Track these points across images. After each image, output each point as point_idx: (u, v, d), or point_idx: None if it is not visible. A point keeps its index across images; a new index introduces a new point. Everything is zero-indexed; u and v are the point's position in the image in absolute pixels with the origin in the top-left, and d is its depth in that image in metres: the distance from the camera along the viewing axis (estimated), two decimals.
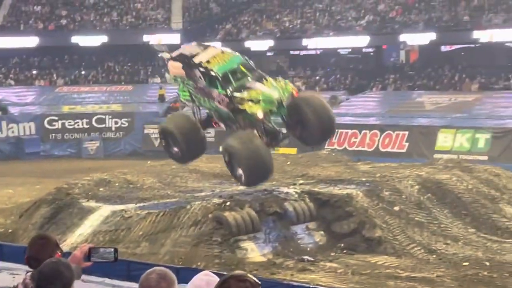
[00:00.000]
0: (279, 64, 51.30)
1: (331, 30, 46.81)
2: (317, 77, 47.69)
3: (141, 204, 21.56)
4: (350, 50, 48.71)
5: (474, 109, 38.86)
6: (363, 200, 20.70)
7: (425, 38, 43.20)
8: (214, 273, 4.20)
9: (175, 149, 21.46)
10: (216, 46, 23.45)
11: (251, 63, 21.38)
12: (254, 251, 18.83)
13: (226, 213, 19.21)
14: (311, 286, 14.80)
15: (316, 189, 21.13)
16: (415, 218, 20.22)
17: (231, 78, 20.30)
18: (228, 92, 20.06)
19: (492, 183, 22.77)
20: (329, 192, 20.89)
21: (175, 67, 21.45)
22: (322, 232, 19.99)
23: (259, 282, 3.64)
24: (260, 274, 16.84)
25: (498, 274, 16.94)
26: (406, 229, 19.72)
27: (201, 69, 20.63)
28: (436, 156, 32.24)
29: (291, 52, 49.99)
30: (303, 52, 48.86)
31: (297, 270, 17.71)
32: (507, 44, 42.58)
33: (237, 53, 21.65)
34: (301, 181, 22.78)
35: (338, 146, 37.10)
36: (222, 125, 21.23)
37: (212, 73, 20.42)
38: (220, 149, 20.40)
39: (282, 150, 37.17)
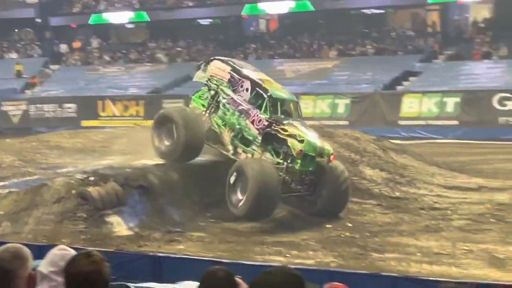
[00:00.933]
0: (139, 36, 50.75)
1: (190, 1, 46.62)
2: (179, 49, 47.45)
3: (1, 183, 20.97)
4: (211, 20, 48.69)
5: (333, 75, 39.72)
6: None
7: (284, 6, 43.69)
8: (76, 248, 4.13)
9: (167, 142, 20.06)
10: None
11: (300, 110, 20.07)
12: (120, 225, 18.64)
13: (90, 188, 18.91)
14: (177, 256, 14.83)
15: None
16: None
17: (279, 106, 19.10)
18: (271, 116, 18.76)
19: (352, 146, 23.36)
20: (196, 163, 20.90)
21: (220, 68, 20.10)
22: (189, 202, 20.00)
23: (104, 257, 3.66)
24: (127, 247, 16.72)
25: (360, 235, 17.45)
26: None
27: (253, 82, 19.40)
28: None
29: (152, 24, 49.50)
30: (163, 24, 48.48)
31: (165, 241, 17.68)
32: (363, 11, 43.63)
33: (292, 94, 20.75)
34: None
35: None
36: (229, 146, 19.55)
37: (263, 92, 19.13)
38: (234, 167, 18.45)
39: (145, 123, 36.96)
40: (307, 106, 36.45)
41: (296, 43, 44.25)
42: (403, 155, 24.22)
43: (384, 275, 12.80)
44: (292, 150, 18.04)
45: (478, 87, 34.85)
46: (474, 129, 32.87)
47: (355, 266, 14.73)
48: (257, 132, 18.79)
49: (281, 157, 18.44)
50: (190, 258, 14.48)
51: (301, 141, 18.03)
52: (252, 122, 18.91)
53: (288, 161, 18.33)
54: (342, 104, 36.13)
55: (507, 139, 31.29)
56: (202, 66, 20.71)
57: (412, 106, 35.10)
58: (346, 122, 34.57)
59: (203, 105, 20.29)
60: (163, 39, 48.54)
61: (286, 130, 18.33)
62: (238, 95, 19.42)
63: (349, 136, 24.12)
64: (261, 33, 48.17)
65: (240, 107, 19.27)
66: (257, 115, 18.85)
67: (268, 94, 19.01)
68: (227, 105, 19.51)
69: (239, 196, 18.26)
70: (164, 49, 47.41)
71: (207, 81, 20.29)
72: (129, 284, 9.69)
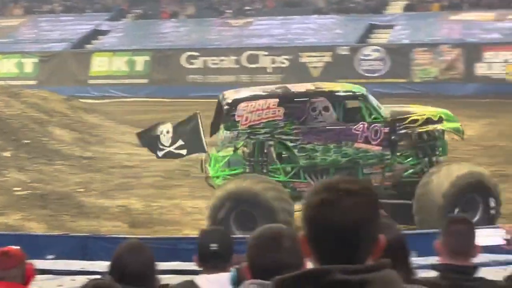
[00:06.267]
0: None
1: None
2: None
3: None
4: None
5: (19, 33, 38.42)
6: None
7: None
8: None
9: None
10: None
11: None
12: None
13: None
14: None
15: None
16: None
17: (374, 104, 13.86)
18: (381, 118, 13.60)
19: (41, 106, 22.85)
20: None
21: (260, 108, 13.39)
22: None
23: None
24: None
25: (50, 196, 17.17)
26: None
27: (329, 95, 13.69)
28: None
29: None
30: None
31: None
32: None
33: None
34: None
35: None
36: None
37: (347, 98, 13.81)
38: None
39: None
40: None
41: None
42: (94, 114, 24.14)
43: (75, 236, 12.68)
44: (439, 137, 14.04)
45: (166, 46, 35.48)
46: (164, 87, 33.50)
47: (48, 228, 14.48)
48: (379, 148, 13.61)
49: (420, 156, 13.97)
50: None
51: (440, 119, 13.98)
52: (366, 141, 13.60)
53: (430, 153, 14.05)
54: (30, 63, 35.09)
55: (194, 97, 32.27)
56: (221, 126, 13.75)
57: (102, 65, 34.97)
58: (34, 82, 33.61)
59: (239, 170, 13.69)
60: None
61: (415, 121, 13.78)
62: (318, 121, 13.58)
63: (36, 96, 23.55)
64: None
65: (327, 137, 13.58)
66: (367, 128, 13.52)
67: (359, 94, 13.87)
68: (307, 146, 13.53)
69: None
70: None
71: (238, 137, 13.57)
72: None
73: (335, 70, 31.44)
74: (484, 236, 5.45)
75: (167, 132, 13.78)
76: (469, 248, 4.06)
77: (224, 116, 13.48)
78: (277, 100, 13.44)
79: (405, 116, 13.80)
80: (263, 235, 2.94)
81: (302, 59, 32.94)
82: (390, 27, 34.82)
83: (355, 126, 13.50)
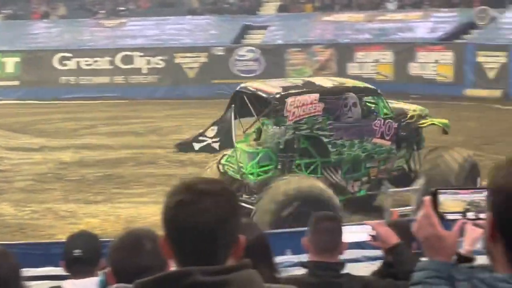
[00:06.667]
0: None
1: None
2: None
3: None
4: None
5: None
6: None
7: None
8: None
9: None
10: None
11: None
12: None
13: None
14: None
15: None
16: None
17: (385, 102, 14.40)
18: (388, 113, 14.10)
19: None
20: None
21: (306, 103, 13.25)
22: None
23: None
24: None
25: None
26: None
27: (356, 90, 13.99)
28: None
29: None
30: None
31: None
32: None
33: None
34: None
35: None
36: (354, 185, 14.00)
37: (369, 94, 14.21)
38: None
39: None
40: None
41: None
42: None
43: None
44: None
45: (38, 47, 34.67)
46: (36, 89, 32.72)
47: None
48: (389, 143, 14.06)
49: (409, 149, 14.59)
50: None
51: (425, 116, 14.73)
52: (381, 136, 14.01)
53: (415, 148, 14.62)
54: None
55: (67, 98, 31.69)
56: (268, 121, 13.63)
57: None
58: None
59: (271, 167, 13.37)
60: None
61: (412, 117, 14.45)
62: (348, 117, 13.80)
63: None
64: None
65: (356, 132, 13.84)
66: (383, 123, 13.94)
67: (376, 90, 14.47)
68: (338, 142, 13.66)
69: None
70: None
71: (286, 132, 13.32)
72: None
73: (210, 71, 31.56)
74: (351, 233, 5.57)
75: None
76: (336, 245, 4.14)
77: (272, 111, 13.27)
78: (318, 95, 13.46)
79: (406, 112, 14.35)
80: (124, 238, 2.92)
81: (177, 60, 32.87)
82: (264, 27, 35.16)
83: (375, 122, 13.87)
